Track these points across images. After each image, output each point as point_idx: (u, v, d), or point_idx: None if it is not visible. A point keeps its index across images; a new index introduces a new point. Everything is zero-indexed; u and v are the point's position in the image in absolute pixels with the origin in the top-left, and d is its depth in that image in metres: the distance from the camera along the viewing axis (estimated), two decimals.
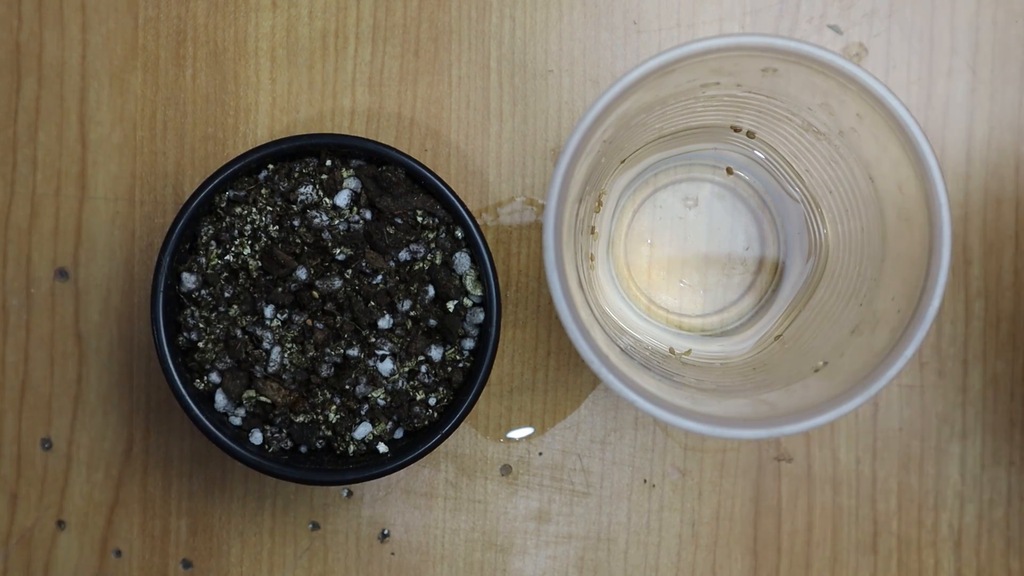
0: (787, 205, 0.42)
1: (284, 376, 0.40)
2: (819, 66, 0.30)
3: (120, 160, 0.44)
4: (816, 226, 0.40)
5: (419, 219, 0.40)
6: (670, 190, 0.43)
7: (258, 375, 0.40)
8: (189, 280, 0.40)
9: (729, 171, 0.42)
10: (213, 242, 0.40)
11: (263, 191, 0.40)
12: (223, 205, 0.40)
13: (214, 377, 0.40)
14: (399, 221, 0.40)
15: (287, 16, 0.44)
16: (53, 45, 0.44)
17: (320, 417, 0.40)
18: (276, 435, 0.40)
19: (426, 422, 0.41)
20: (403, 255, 0.40)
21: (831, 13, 0.44)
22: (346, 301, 0.40)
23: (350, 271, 0.40)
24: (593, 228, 0.42)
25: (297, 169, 0.40)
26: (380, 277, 0.40)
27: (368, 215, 0.40)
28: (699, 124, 0.39)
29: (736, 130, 0.39)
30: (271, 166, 0.40)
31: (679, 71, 0.31)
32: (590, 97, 0.44)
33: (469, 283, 0.40)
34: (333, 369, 0.40)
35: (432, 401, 0.40)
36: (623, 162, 0.41)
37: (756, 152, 0.41)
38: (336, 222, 0.40)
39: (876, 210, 0.34)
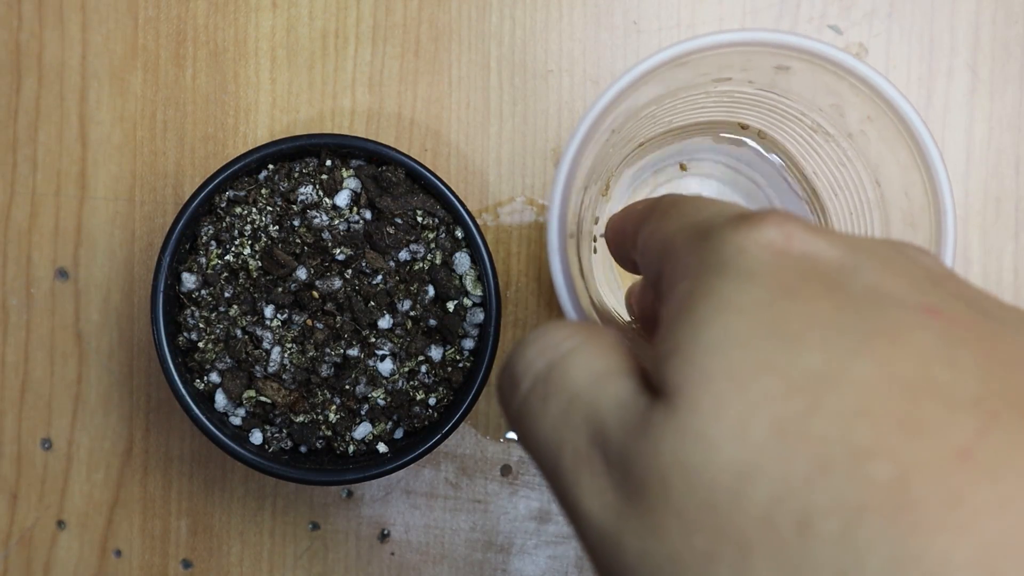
0: (792, 204, 0.42)
1: (284, 376, 0.40)
2: (832, 66, 0.30)
3: (120, 160, 0.44)
4: None
5: (419, 219, 0.40)
6: (675, 184, 0.43)
7: (258, 375, 0.40)
8: (189, 280, 0.40)
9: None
10: (213, 242, 0.40)
11: (263, 191, 0.40)
12: (223, 205, 0.40)
13: (214, 377, 0.40)
14: (399, 221, 0.40)
15: (287, 16, 0.44)
16: (53, 45, 0.44)
17: (320, 417, 0.40)
18: (276, 435, 0.40)
19: (426, 422, 0.41)
20: (403, 255, 0.40)
21: (831, 13, 0.44)
22: (346, 301, 0.40)
23: (350, 271, 0.40)
24: (597, 219, 0.42)
25: (297, 169, 0.40)
26: (380, 277, 0.40)
27: (368, 215, 0.40)
28: (708, 120, 0.39)
29: (743, 127, 0.39)
30: (271, 166, 0.40)
31: (692, 64, 0.31)
32: (590, 97, 0.44)
33: (469, 283, 0.40)
34: (333, 369, 0.40)
35: (432, 401, 0.40)
36: (631, 153, 0.41)
37: (763, 151, 0.41)
38: (336, 222, 0.40)
39: (881, 215, 0.34)
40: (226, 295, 0.40)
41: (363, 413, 0.40)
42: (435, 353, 0.40)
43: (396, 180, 0.40)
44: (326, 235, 0.40)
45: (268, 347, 0.40)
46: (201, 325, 0.40)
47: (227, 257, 0.40)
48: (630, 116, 0.34)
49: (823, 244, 0.20)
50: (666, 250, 0.22)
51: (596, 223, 0.42)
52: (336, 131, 0.44)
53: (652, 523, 0.18)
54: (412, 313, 0.40)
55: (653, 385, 0.20)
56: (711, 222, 0.21)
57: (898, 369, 0.17)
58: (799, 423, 0.17)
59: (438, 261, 0.40)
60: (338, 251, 0.40)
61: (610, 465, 0.19)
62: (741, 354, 0.18)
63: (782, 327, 0.18)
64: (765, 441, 0.17)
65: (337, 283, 0.40)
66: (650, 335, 0.30)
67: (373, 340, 0.40)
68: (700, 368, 0.18)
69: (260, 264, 0.40)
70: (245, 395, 0.40)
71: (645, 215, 0.24)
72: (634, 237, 0.25)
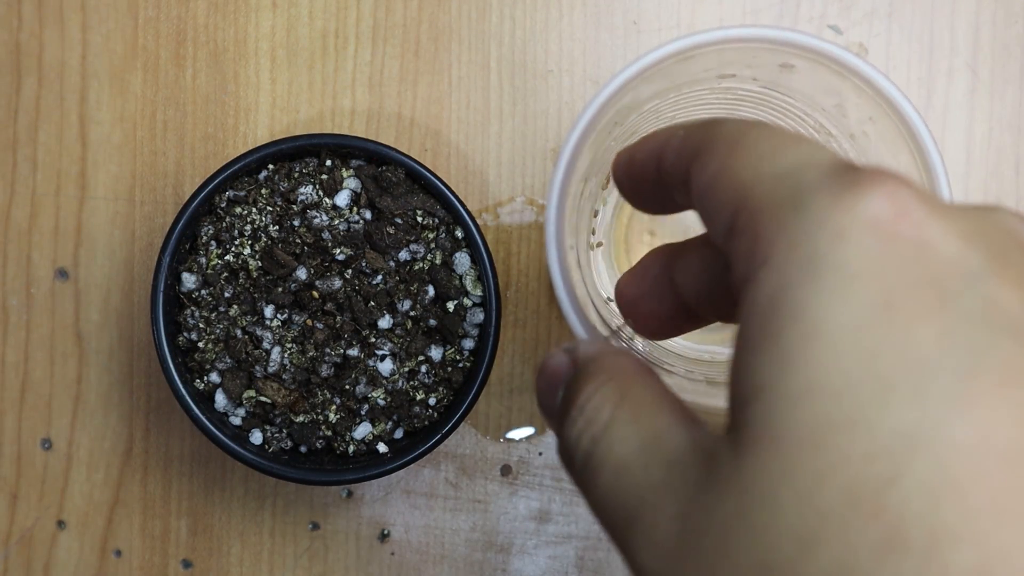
0: None
1: (284, 376, 0.40)
2: (835, 65, 0.30)
3: (120, 160, 0.44)
4: None
5: (419, 219, 0.40)
6: None
7: (258, 375, 0.40)
8: (189, 280, 0.40)
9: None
10: (213, 242, 0.40)
11: (263, 191, 0.40)
12: (223, 205, 0.40)
13: (214, 377, 0.40)
14: (399, 221, 0.40)
15: (287, 16, 0.44)
16: (53, 45, 0.44)
17: (320, 417, 0.40)
18: (276, 435, 0.40)
19: (426, 422, 0.41)
20: (403, 255, 0.40)
21: (831, 13, 0.44)
22: (346, 301, 0.40)
23: (350, 271, 0.40)
24: (596, 212, 0.42)
25: (297, 169, 0.40)
26: (380, 277, 0.40)
27: (368, 215, 0.40)
28: (710, 117, 0.39)
29: None
30: (271, 166, 0.40)
31: (696, 59, 0.31)
32: (590, 97, 0.44)
33: (469, 283, 0.40)
34: (333, 369, 0.40)
35: (432, 401, 0.40)
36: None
37: None
38: (336, 222, 0.40)
39: None
40: (226, 295, 0.40)
41: (363, 413, 0.40)
42: (435, 353, 0.40)
43: (396, 180, 0.40)
44: (326, 235, 0.40)
45: (268, 347, 0.40)
46: (201, 325, 0.40)
47: (227, 257, 0.40)
48: (633, 110, 0.34)
49: (938, 231, 0.17)
50: (743, 203, 0.19)
51: (596, 216, 0.42)
52: (336, 131, 0.44)
53: None
54: (412, 313, 0.40)
55: (698, 421, 0.20)
56: (801, 177, 0.18)
57: (999, 433, 0.16)
58: (876, 492, 0.16)
59: (438, 261, 0.40)
60: (338, 251, 0.40)
61: (668, 519, 0.19)
62: (826, 407, 0.16)
63: (877, 366, 0.16)
64: (834, 509, 0.16)
65: (337, 283, 0.40)
66: (646, 332, 0.29)
67: (373, 340, 0.40)
68: (779, 425, 0.17)
69: (260, 264, 0.40)
70: (245, 395, 0.40)
71: (697, 144, 0.21)
72: (678, 171, 0.22)
